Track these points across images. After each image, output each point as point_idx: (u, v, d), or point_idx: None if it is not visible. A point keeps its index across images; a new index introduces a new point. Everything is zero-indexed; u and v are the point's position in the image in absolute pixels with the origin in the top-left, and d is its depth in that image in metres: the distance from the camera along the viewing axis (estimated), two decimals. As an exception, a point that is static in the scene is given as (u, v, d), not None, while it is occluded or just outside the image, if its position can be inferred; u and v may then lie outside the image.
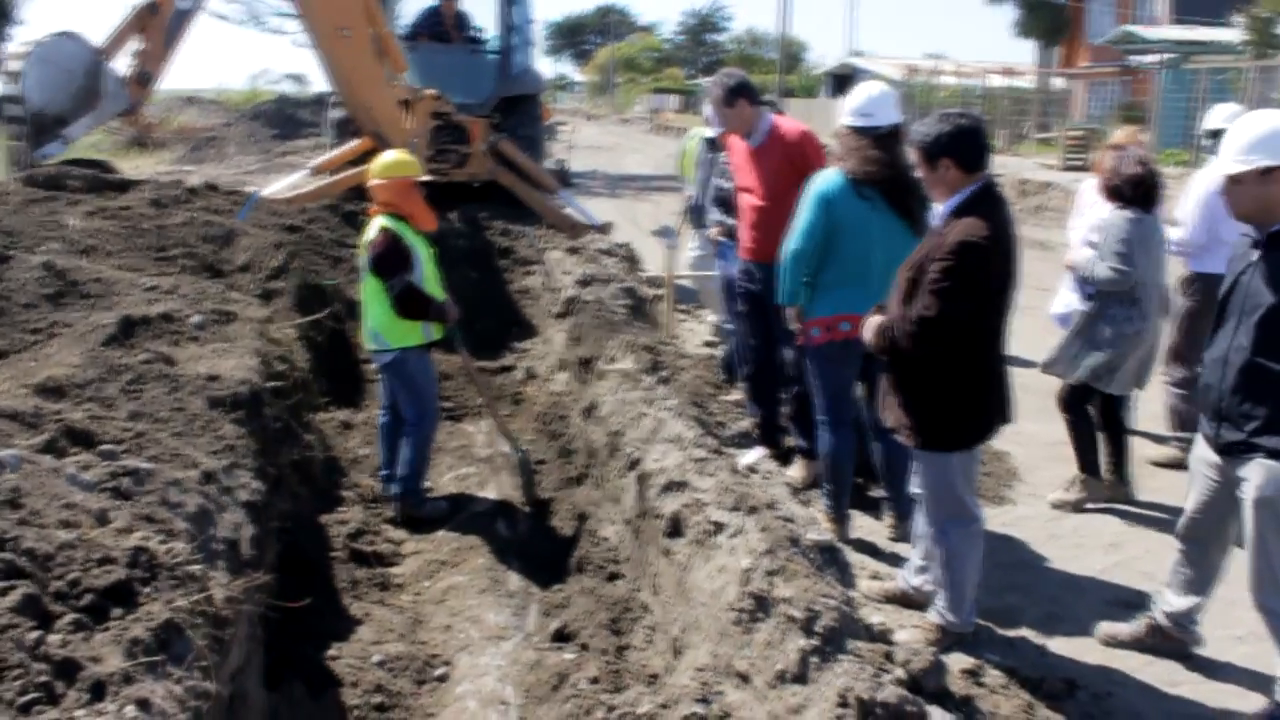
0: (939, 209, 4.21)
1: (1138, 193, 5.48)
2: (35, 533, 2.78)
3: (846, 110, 5.20)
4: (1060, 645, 4.50)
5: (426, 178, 5.91)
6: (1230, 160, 3.70)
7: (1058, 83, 35.61)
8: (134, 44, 9.14)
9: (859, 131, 5.10)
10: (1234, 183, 3.73)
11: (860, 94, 5.20)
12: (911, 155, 4.40)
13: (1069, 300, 6.31)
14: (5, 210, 7.37)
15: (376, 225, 5.72)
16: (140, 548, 2.89)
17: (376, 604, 4.81)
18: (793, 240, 5.20)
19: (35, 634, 2.43)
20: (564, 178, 13.75)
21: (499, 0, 13.48)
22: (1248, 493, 3.77)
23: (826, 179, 5.16)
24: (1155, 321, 5.65)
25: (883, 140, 5.08)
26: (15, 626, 2.42)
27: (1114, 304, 5.55)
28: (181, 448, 3.91)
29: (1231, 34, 25.54)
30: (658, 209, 18.29)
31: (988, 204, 4.05)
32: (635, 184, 24.00)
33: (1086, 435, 5.98)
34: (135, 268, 6.70)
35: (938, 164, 4.08)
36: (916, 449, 4.29)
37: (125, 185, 8.95)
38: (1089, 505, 5.92)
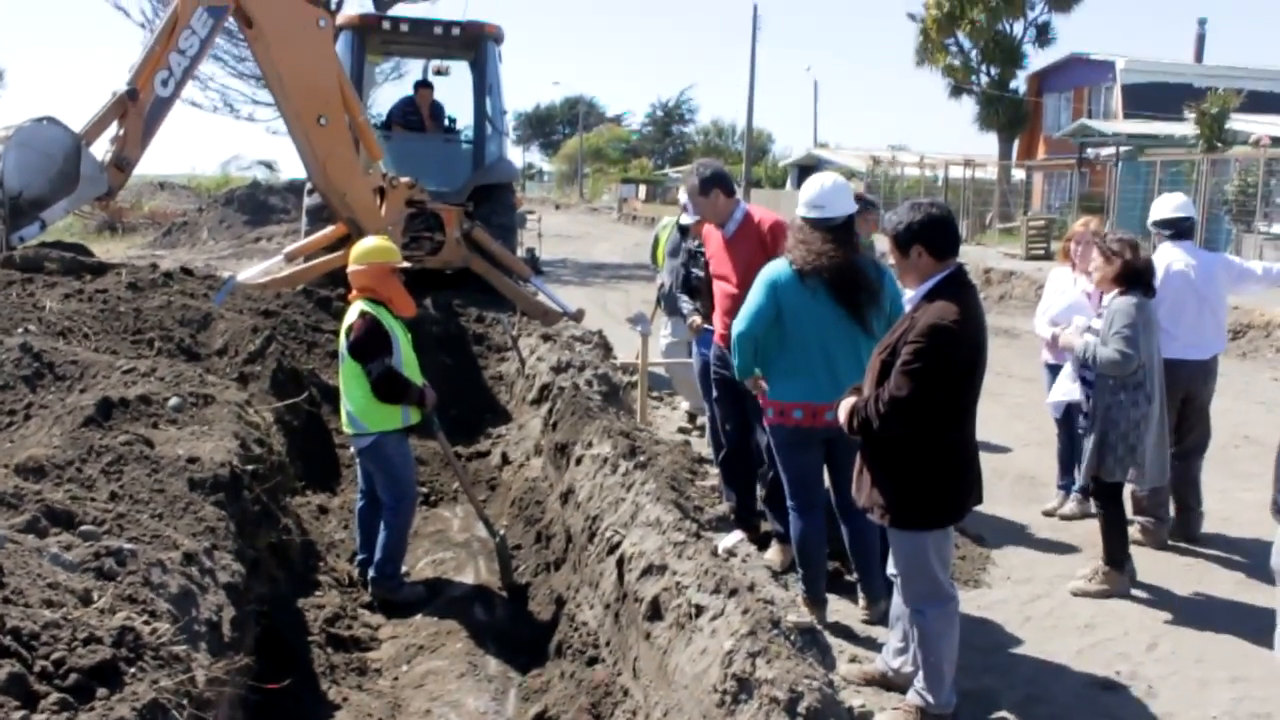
0: (910, 294, 4.32)
1: (1148, 278, 5.68)
2: (20, 612, 2.77)
3: (800, 202, 5.31)
4: (1039, 728, 4.51)
5: (404, 264, 5.98)
6: None
7: (1018, 174, 36.48)
8: (113, 129, 9.20)
9: (812, 223, 5.18)
10: None
11: (812, 186, 5.25)
12: (882, 243, 4.52)
13: (1067, 389, 6.26)
14: (-19, 292, 7.37)
15: (356, 310, 5.78)
16: (125, 628, 2.88)
17: (355, 689, 4.76)
18: (739, 322, 5.29)
19: (20, 714, 2.42)
20: (535, 265, 13.89)
21: (473, 91, 13.76)
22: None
23: (775, 267, 5.22)
24: (1160, 405, 5.67)
25: (836, 231, 5.14)
26: (0, 706, 2.40)
27: (1118, 391, 5.62)
28: (162, 529, 3.90)
29: (1183, 128, 26.36)
30: (628, 297, 18.46)
31: (958, 289, 4.18)
32: (605, 272, 24.21)
33: (1117, 527, 5.90)
34: (112, 350, 6.70)
35: (909, 251, 4.21)
36: (890, 528, 4.34)
37: (101, 268, 8.96)
38: (1077, 591, 5.91)
